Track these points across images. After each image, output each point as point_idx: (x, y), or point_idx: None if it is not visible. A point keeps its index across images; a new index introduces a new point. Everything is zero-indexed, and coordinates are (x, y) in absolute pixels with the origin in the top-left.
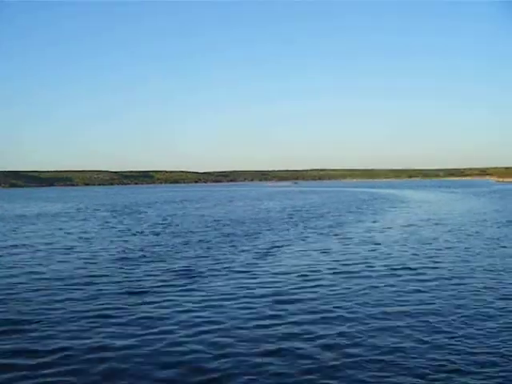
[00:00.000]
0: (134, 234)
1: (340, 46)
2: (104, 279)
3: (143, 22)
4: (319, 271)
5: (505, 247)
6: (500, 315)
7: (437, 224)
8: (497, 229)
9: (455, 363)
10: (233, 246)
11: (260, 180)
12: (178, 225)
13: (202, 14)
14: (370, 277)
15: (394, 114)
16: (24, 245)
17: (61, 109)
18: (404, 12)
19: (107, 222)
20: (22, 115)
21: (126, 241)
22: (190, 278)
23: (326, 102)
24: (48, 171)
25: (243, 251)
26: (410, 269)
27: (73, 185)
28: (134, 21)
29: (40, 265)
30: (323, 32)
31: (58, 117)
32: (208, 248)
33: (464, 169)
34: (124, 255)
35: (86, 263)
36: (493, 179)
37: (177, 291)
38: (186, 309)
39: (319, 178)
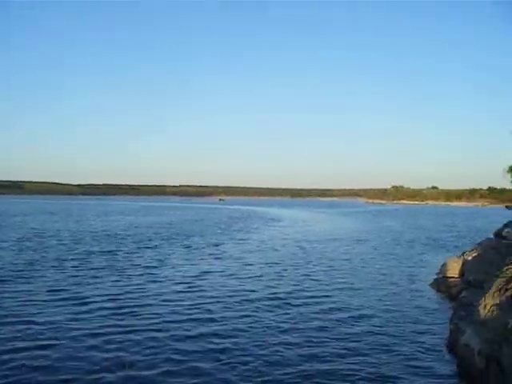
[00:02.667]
0: None
1: None
2: None
3: None
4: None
5: (363, 267)
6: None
7: (314, 242)
8: (360, 246)
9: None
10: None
11: (130, 195)
12: (43, 241)
13: None
14: (241, 302)
15: (266, 130)
16: None
17: None
18: None
19: None
20: None
21: None
22: (21, 306)
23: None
24: None
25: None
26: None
27: None
28: None
29: None
30: None
31: None
32: (71, 268)
33: (334, 189)
34: None
35: None
36: (362, 200)
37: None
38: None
39: (187, 195)
